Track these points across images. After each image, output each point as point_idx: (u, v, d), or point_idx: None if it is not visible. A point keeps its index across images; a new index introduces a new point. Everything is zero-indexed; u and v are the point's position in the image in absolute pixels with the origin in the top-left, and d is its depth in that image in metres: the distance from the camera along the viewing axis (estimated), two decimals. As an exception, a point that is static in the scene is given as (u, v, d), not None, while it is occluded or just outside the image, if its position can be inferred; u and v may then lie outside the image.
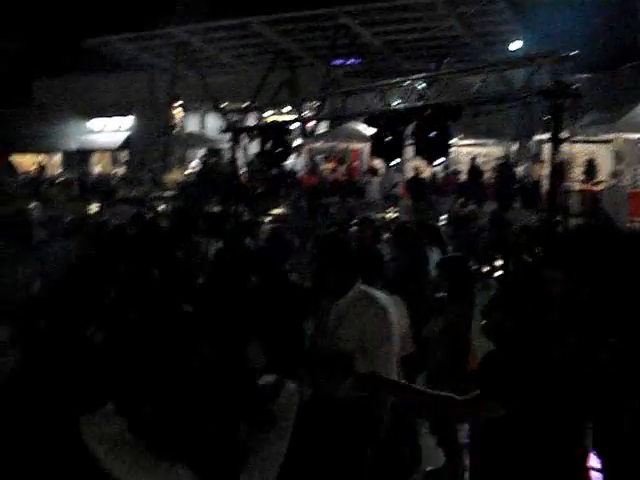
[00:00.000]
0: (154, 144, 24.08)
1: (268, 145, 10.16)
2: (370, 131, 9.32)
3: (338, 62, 22.23)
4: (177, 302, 3.47)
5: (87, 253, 5.63)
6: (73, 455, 2.18)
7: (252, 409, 2.29)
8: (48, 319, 3.14)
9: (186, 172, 21.97)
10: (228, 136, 12.14)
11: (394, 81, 10.24)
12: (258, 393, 2.38)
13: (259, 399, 2.35)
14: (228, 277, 4.47)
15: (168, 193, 18.60)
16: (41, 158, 25.63)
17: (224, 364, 2.36)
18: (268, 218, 12.86)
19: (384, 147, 8.77)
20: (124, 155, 26.85)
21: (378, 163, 16.53)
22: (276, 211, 14.46)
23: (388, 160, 9.35)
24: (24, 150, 25.53)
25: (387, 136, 8.61)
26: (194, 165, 22.50)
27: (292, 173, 19.97)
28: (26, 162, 25.11)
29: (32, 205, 11.29)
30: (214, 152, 22.19)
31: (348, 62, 22.69)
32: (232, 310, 3.78)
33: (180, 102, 24.76)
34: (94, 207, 13.33)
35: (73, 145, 26.29)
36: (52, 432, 2.32)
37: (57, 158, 27.50)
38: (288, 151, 10.41)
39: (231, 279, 4.43)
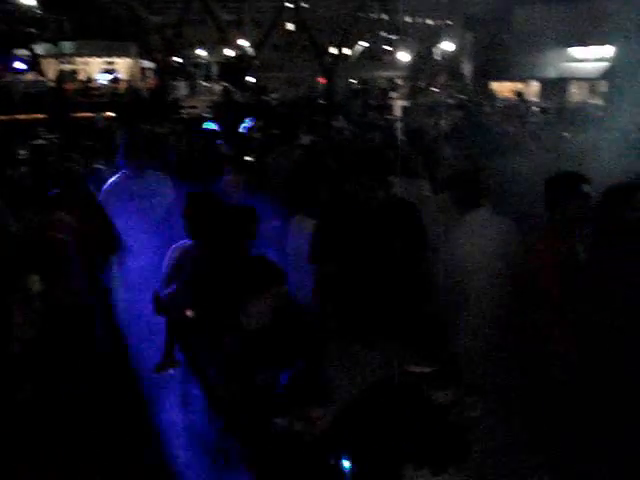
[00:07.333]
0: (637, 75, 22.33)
1: None
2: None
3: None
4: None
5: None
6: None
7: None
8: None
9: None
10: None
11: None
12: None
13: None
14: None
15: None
16: (520, 86, 26.44)
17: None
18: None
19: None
20: (602, 85, 25.63)
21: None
22: None
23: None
24: (501, 78, 26.59)
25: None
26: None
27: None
28: (503, 89, 26.24)
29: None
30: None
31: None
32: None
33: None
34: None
35: (552, 73, 26.33)
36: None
37: (535, 86, 27.98)
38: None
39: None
